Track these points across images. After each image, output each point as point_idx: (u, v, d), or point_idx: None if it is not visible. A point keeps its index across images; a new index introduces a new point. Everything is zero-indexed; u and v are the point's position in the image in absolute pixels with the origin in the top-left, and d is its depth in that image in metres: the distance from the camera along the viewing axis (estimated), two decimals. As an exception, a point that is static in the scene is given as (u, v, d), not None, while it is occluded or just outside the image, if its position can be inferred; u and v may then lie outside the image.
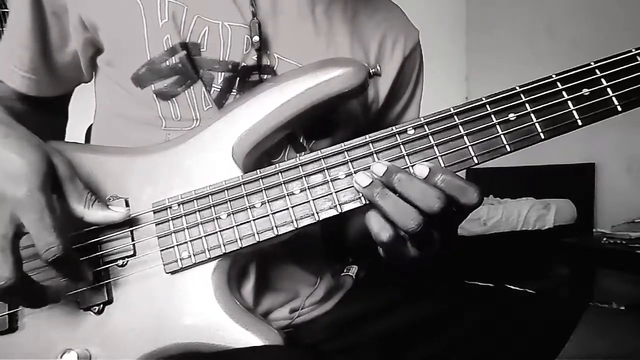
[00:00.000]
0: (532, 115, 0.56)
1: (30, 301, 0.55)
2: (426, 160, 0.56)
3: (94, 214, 0.56)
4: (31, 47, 0.70)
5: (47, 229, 0.50)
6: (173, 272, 0.59)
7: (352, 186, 0.57)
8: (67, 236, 0.52)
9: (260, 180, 0.59)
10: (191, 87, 0.66)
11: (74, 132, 0.88)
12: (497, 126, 0.56)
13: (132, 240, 0.60)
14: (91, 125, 0.87)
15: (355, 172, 0.57)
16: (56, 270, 0.53)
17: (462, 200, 0.52)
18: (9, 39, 0.72)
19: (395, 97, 0.81)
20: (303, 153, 0.68)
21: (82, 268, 0.56)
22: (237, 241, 0.58)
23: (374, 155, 0.57)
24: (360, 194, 0.55)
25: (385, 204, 0.52)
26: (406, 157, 0.57)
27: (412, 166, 0.56)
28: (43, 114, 0.76)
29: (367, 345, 0.67)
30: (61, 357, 0.56)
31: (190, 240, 0.59)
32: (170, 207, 0.60)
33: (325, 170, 0.58)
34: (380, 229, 0.53)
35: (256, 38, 0.66)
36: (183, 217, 0.60)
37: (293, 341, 0.64)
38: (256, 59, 0.67)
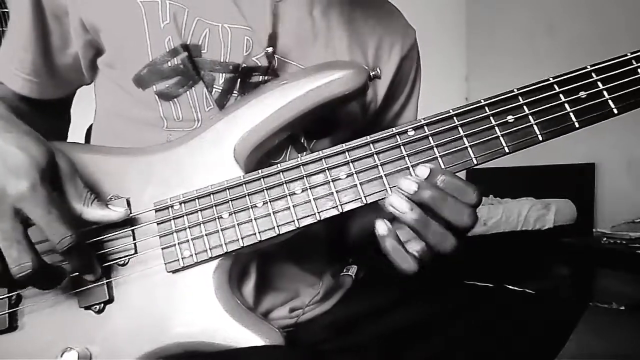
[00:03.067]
0: (530, 117, 0.56)
1: (50, 285, 0.57)
2: (426, 161, 0.57)
3: (93, 213, 0.57)
4: (32, 49, 0.70)
5: (57, 220, 0.51)
6: (174, 271, 0.59)
7: (353, 186, 0.57)
8: (77, 227, 0.53)
9: (262, 179, 0.59)
10: (193, 88, 0.66)
11: (74, 132, 0.89)
12: (496, 128, 0.57)
13: (134, 239, 0.60)
14: (91, 125, 0.87)
15: (355, 173, 0.58)
16: (69, 261, 0.55)
17: (462, 200, 0.52)
18: (10, 41, 0.72)
19: (393, 97, 0.82)
20: (304, 153, 0.68)
21: (94, 259, 0.58)
22: (238, 240, 0.58)
23: (375, 155, 0.58)
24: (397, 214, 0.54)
25: (420, 226, 0.53)
26: (406, 158, 0.57)
27: (412, 166, 0.57)
28: (45, 116, 0.76)
29: (367, 345, 0.67)
30: (61, 356, 0.56)
31: (192, 239, 0.59)
32: (172, 207, 0.60)
33: (327, 170, 0.58)
34: (384, 234, 0.54)
35: (269, 49, 0.66)
36: (184, 216, 0.60)
37: (293, 341, 0.64)
38: (267, 63, 0.67)
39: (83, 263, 0.56)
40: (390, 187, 0.57)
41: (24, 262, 0.51)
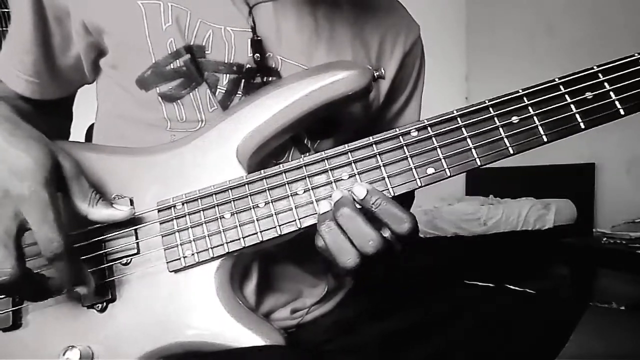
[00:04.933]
0: (535, 118, 0.56)
1: (33, 295, 0.56)
2: (430, 163, 0.57)
3: (98, 212, 0.57)
4: (34, 51, 0.70)
5: (49, 224, 0.51)
6: (176, 271, 0.59)
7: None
8: (69, 234, 0.52)
9: (264, 180, 0.59)
10: (196, 90, 0.66)
11: (75, 131, 0.88)
12: (500, 129, 0.56)
13: (136, 238, 0.60)
14: (92, 124, 0.87)
15: (358, 174, 0.58)
16: (56, 270, 0.53)
17: (392, 226, 0.53)
18: (12, 43, 0.72)
19: (396, 94, 0.81)
20: (307, 154, 0.68)
21: (83, 269, 0.56)
22: (240, 240, 0.58)
23: (377, 156, 0.58)
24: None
25: (328, 237, 0.54)
26: (409, 159, 0.57)
27: (415, 167, 0.56)
28: (47, 115, 0.76)
29: (369, 345, 0.67)
30: (64, 354, 0.57)
31: (194, 239, 0.59)
32: (174, 206, 0.60)
33: (329, 171, 0.58)
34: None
35: (257, 55, 0.66)
36: (187, 216, 0.60)
37: (295, 341, 0.64)
38: (257, 62, 0.67)
39: (69, 272, 0.53)
40: (392, 188, 0.57)
41: (4, 268, 0.50)
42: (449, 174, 0.57)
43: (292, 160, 0.60)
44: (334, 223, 0.54)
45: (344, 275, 0.57)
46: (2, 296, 0.60)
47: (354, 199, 0.55)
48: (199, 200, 0.60)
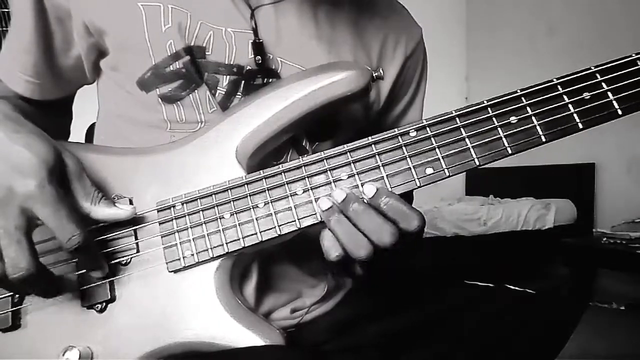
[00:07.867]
0: (533, 118, 0.56)
1: (46, 291, 0.56)
2: (428, 163, 0.57)
3: (101, 211, 0.57)
4: (35, 52, 0.70)
5: (65, 219, 0.52)
6: (176, 271, 0.59)
7: (355, 187, 0.57)
8: (85, 225, 0.54)
9: (264, 180, 0.59)
10: (195, 91, 0.67)
11: (74, 131, 0.88)
12: (499, 129, 0.56)
13: (136, 238, 0.60)
14: (92, 124, 0.87)
15: (357, 174, 0.58)
16: (77, 260, 0.56)
17: (401, 224, 0.53)
18: (13, 43, 0.72)
19: (397, 97, 0.81)
20: (305, 156, 0.68)
21: (101, 257, 0.58)
22: (239, 240, 0.58)
23: (377, 156, 0.58)
24: (320, 217, 0.56)
25: (340, 230, 0.54)
26: (408, 159, 0.57)
27: (414, 167, 0.57)
28: (47, 115, 0.76)
29: (368, 345, 0.67)
30: (63, 354, 0.56)
31: (193, 239, 0.59)
32: (174, 206, 0.60)
33: (328, 171, 0.58)
34: (330, 247, 0.55)
35: (259, 58, 0.67)
36: (186, 216, 0.60)
37: (294, 341, 0.64)
38: (259, 65, 0.67)
39: (90, 261, 0.57)
40: (391, 188, 0.57)
41: (20, 264, 0.51)
42: (447, 174, 0.57)
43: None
44: (344, 216, 0.54)
45: (354, 270, 0.57)
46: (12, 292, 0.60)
47: (363, 198, 0.55)
48: (199, 200, 0.60)
